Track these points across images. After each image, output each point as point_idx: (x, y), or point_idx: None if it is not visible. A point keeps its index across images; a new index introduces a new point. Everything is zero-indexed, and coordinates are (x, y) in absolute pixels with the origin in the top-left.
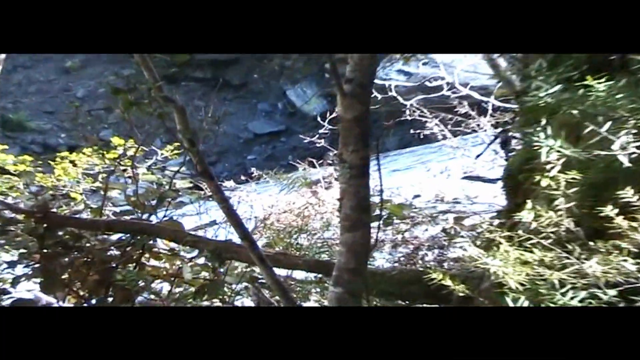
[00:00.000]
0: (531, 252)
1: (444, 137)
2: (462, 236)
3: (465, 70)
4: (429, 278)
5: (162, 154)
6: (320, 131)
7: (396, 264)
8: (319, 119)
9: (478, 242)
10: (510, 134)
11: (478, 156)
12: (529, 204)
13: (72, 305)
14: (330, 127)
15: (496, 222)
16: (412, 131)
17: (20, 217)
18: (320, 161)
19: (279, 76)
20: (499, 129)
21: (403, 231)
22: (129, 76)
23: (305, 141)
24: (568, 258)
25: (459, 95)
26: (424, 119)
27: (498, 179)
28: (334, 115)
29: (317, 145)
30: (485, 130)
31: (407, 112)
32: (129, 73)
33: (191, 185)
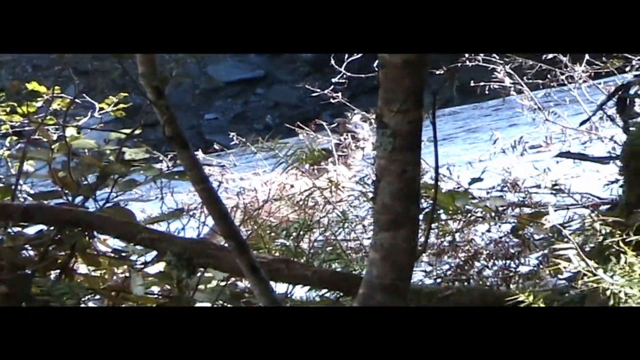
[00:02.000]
0: None
1: (518, 92)
2: (564, 238)
3: None
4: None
5: (100, 109)
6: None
7: (440, 281)
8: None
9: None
10: (633, 91)
11: (584, 122)
12: None
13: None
14: (350, 75)
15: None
16: (472, 83)
17: None
18: (334, 124)
19: None
20: (614, 88)
21: (452, 231)
22: None
23: (317, 94)
24: None
25: None
26: (490, 67)
27: (612, 158)
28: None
29: (329, 100)
30: (579, 86)
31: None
32: None
33: (147, 156)
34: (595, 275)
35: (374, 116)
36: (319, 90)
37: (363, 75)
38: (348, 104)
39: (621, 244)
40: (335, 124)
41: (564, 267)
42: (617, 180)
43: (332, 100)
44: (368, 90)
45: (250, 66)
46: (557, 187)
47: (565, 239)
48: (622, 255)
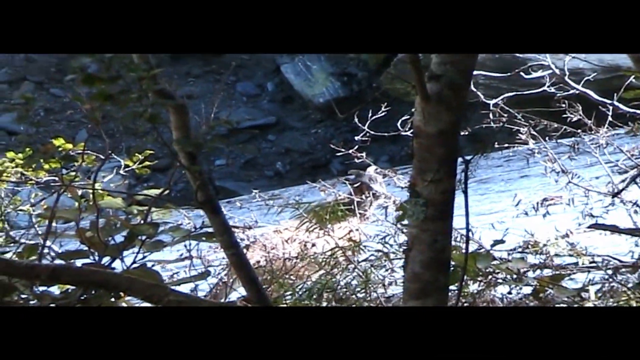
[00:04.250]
0: None
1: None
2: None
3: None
4: None
5: (126, 167)
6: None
7: None
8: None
9: None
10: None
11: (617, 194)
12: None
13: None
14: (370, 132)
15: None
16: (495, 145)
17: None
18: (354, 179)
19: None
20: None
21: (473, 293)
22: (112, 60)
23: (328, 141)
24: None
25: (568, 93)
26: (514, 128)
27: None
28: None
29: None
30: (602, 146)
31: (491, 115)
32: (112, 55)
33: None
34: None
35: (387, 170)
36: (342, 149)
37: (384, 133)
38: (365, 158)
39: None
40: (352, 175)
41: None
42: None
43: (343, 150)
44: (378, 138)
45: (262, 112)
46: (593, 263)
47: None
48: None
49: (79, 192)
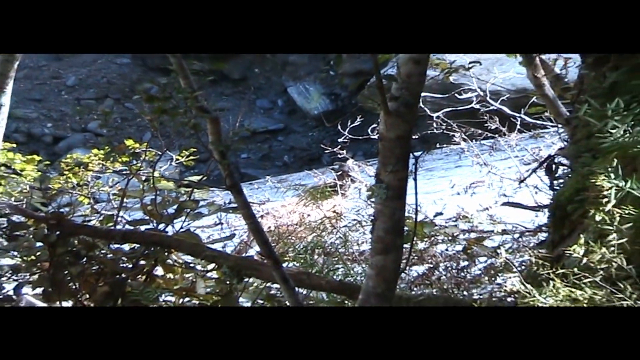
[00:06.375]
0: (581, 289)
1: (469, 150)
2: (511, 270)
3: (498, 82)
4: None
5: (177, 160)
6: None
7: (410, 285)
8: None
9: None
10: (556, 159)
11: (523, 180)
12: (582, 238)
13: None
14: (353, 138)
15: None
16: (437, 145)
17: (30, 221)
18: (338, 168)
19: (281, 72)
20: (548, 155)
21: (420, 250)
22: (166, 84)
23: (321, 142)
24: (619, 297)
25: (489, 109)
26: (451, 133)
27: (542, 207)
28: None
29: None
30: (513, 146)
31: (434, 124)
32: (166, 81)
33: (210, 195)
34: (532, 295)
35: (362, 163)
36: (329, 147)
37: (361, 137)
38: (344, 152)
39: (551, 274)
40: (337, 165)
41: (507, 291)
42: (544, 225)
43: (329, 148)
44: (355, 140)
45: (274, 120)
46: (505, 231)
47: (513, 268)
48: (550, 281)
49: (143, 178)
